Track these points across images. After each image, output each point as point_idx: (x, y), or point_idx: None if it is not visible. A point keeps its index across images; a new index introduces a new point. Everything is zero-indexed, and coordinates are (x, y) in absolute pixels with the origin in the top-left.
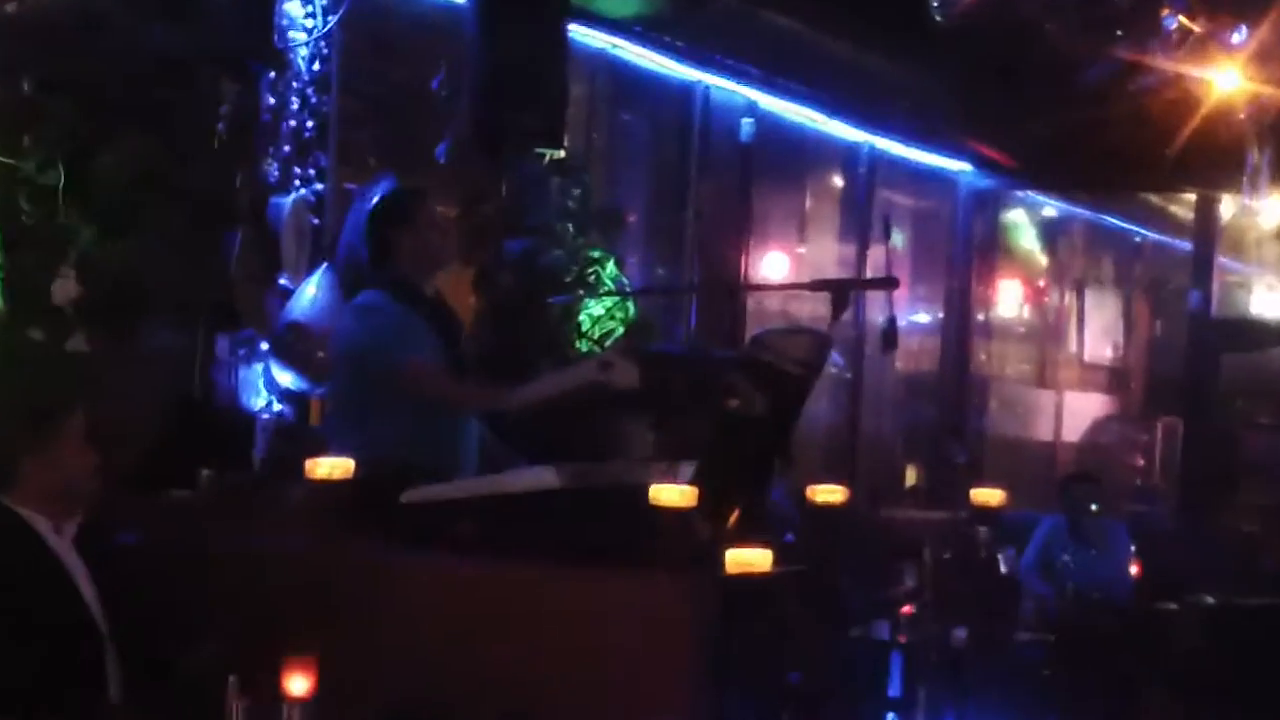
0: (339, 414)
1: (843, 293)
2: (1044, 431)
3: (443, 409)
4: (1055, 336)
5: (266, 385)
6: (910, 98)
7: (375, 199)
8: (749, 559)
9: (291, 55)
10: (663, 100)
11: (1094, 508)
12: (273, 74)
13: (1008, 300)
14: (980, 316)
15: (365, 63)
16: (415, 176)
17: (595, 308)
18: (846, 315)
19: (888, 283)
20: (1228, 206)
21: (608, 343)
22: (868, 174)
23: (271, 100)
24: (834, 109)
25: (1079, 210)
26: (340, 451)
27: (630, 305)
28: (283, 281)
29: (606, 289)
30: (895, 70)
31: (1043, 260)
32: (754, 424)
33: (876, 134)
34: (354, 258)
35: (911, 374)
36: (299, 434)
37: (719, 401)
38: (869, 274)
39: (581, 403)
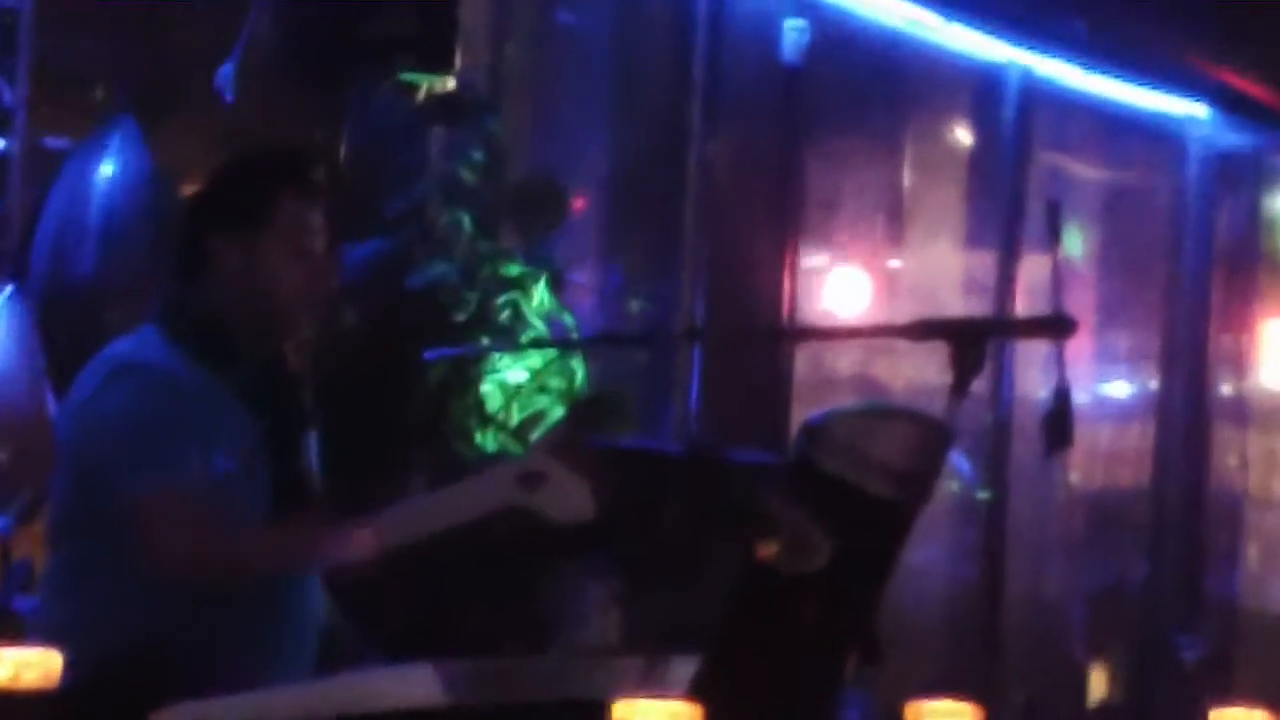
0: (52, 566)
1: (973, 344)
2: None
3: (224, 575)
4: None
5: None
6: None
7: (204, 190)
8: None
9: None
10: None
11: None
12: None
13: None
14: (1228, 385)
15: None
16: (178, 123)
17: (513, 369)
18: (979, 384)
19: (1056, 326)
20: None
21: (535, 435)
22: (1018, 123)
23: None
24: (958, 3)
25: None
26: (48, 636)
27: (577, 366)
28: None
29: (533, 335)
30: None
31: None
32: (808, 587)
33: (1036, 50)
34: (70, 275)
35: (1100, 492)
36: None
37: (743, 546)
38: (1021, 308)
39: (489, 546)
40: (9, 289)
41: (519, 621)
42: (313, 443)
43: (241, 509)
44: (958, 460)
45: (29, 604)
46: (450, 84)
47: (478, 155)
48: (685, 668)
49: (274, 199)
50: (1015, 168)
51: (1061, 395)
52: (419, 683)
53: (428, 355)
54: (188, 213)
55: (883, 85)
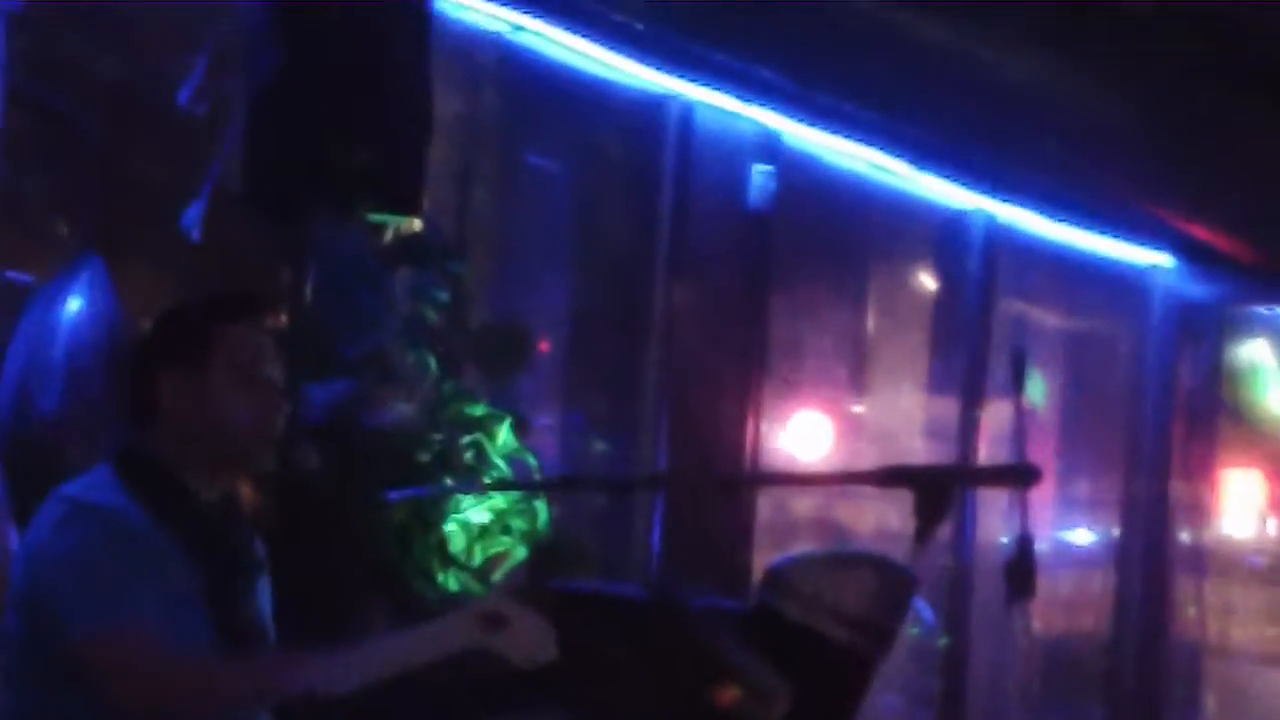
0: (4, 707)
1: (938, 492)
2: None
3: (177, 709)
4: None
5: None
6: (1067, 132)
7: (153, 333)
8: None
9: None
10: (607, 126)
11: None
12: None
13: (1239, 506)
14: (1188, 534)
15: (56, 49)
16: (141, 260)
17: (476, 509)
18: (942, 532)
19: (1020, 475)
20: None
21: (496, 576)
22: (983, 269)
23: None
24: (924, 151)
25: None
26: None
27: (540, 508)
28: None
29: (496, 478)
30: (1042, 81)
31: None
32: None
33: (1000, 198)
34: (34, 412)
35: (1060, 640)
36: None
37: (705, 694)
38: (984, 455)
39: (447, 688)
40: None
41: None
42: (264, 588)
43: (185, 653)
44: (919, 606)
45: None
46: (416, 225)
47: (443, 296)
48: None
49: (213, 333)
50: (979, 314)
51: (1024, 543)
52: None
53: (391, 495)
54: (136, 354)
55: (848, 231)
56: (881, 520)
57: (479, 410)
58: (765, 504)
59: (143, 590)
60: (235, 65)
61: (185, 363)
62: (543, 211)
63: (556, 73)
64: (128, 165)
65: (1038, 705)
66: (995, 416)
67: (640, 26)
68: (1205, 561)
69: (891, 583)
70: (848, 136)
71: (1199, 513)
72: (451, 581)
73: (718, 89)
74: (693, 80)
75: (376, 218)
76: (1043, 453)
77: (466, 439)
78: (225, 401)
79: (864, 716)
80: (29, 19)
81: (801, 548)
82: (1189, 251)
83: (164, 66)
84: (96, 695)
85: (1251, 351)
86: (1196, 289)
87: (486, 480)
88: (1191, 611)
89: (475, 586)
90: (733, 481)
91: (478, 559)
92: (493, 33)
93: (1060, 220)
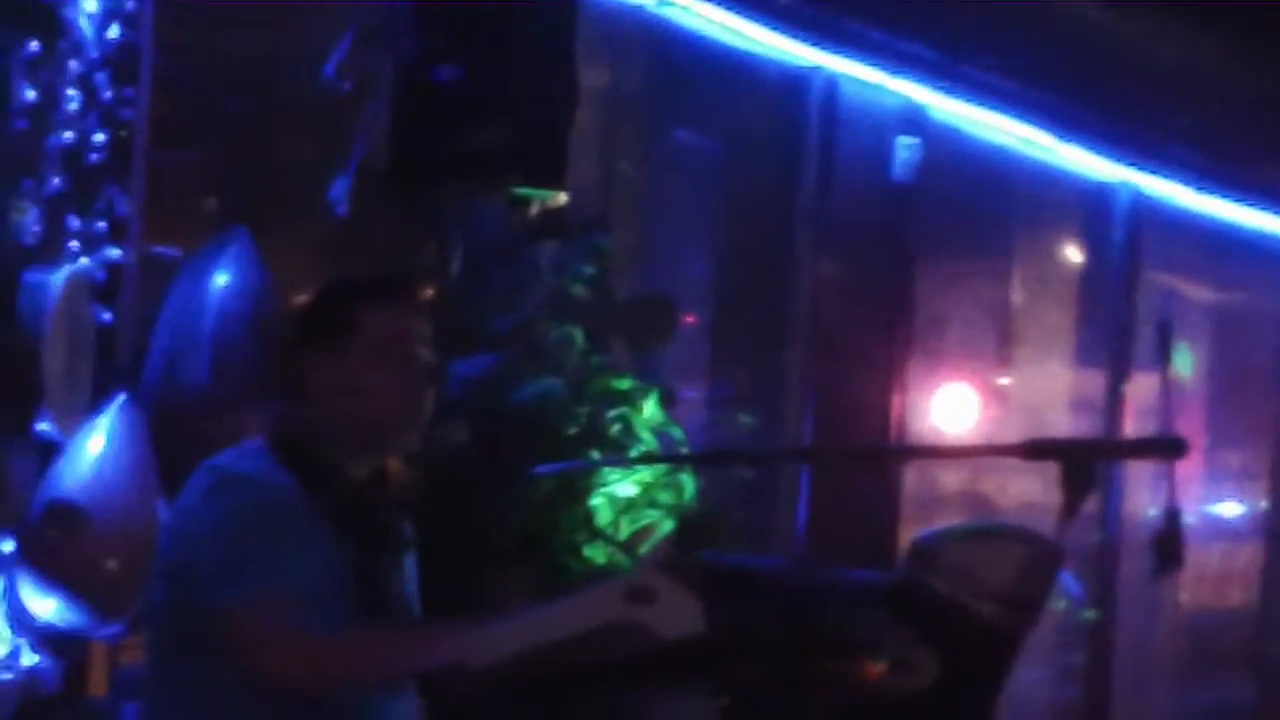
0: (154, 686)
1: (1085, 465)
2: None
3: (320, 681)
4: None
5: (8, 619)
6: (1213, 104)
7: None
8: None
9: (68, 13)
10: (751, 100)
11: None
12: (34, 46)
13: None
14: None
15: (201, 30)
16: (287, 236)
17: (623, 483)
18: (1088, 506)
19: (1167, 447)
20: None
21: (644, 549)
22: (1128, 242)
23: (31, 95)
24: (1069, 122)
25: None
26: None
27: (686, 481)
28: (42, 427)
29: (643, 451)
30: (1188, 52)
31: None
32: (914, 709)
33: (1145, 170)
34: (182, 384)
35: (1207, 613)
36: (67, 716)
37: (848, 666)
38: (1130, 428)
39: (593, 663)
40: (122, 398)
41: None
42: (410, 566)
43: (329, 627)
44: (1065, 580)
45: (136, 710)
46: (561, 199)
47: (588, 270)
48: None
49: (364, 314)
50: (1124, 287)
51: (1172, 516)
52: None
53: (538, 470)
54: (286, 332)
55: (993, 204)
56: (1027, 494)
57: (625, 384)
58: (911, 477)
59: (289, 562)
60: (380, 41)
61: (335, 342)
62: (687, 185)
63: (701, 46)
64: (273, 142)
65: (1184, 680)
66: (1141, 389)
67: (785, 0)
68: None
69: (1038, 557)
70: (992, 108)
71: None
72: (598, 555)
73: (862, 62)
74: (837, 53)
75: (521, 192)
76: (1190, 425)
77: (613, 413)
78: (373, 383)
79: (1009, 690)
80: None
81: (947, 521)
82: None
83: (309, 43)
84: (235, 664)
85: None
86: None
87: (633, 454)
88: None
89: (621, 560)
90: (878, 455)
91: (624, 532)
92: (638, 6)
93: (1206, 192)
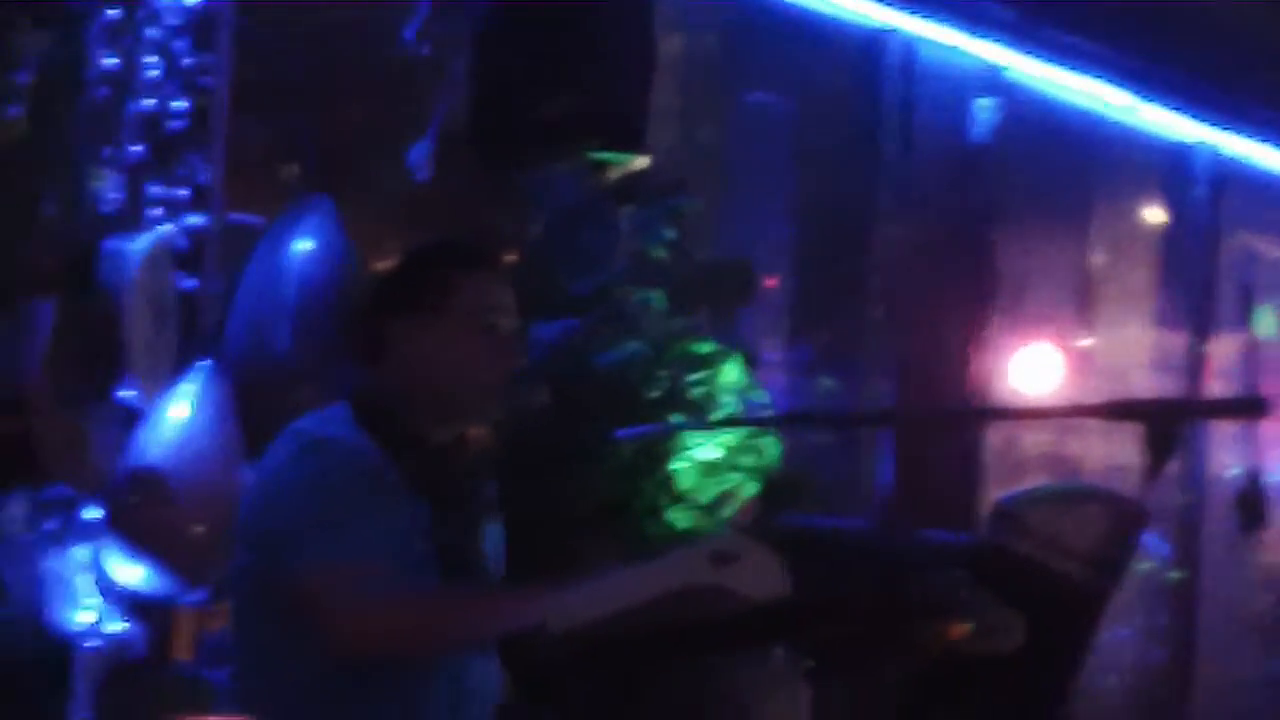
0: (240, 652)
1: (1169, 426)
2: None
3: (401, 646)
4: None
5: (95, 586)
6: None
7: (392, 271)
8: None
9: None
10: (829, 62)
11: None
12: (112, 13)
13: None
14: None
15: None
16: (368, 201)
17: (705, 448)
18: (1172, 466)
19: (1251, 407)
20: None
21: (727, 512)
22: (1209, 203)
23: (111, 62)
24: (1149, 83)
25: None
26: (242, 709)
27: (769, 444)
28: (127, 394)
29: (725, 414)
30: (1269, 12)
31: None
32: (1000, 671)
33: (1226, 130)
34: (265, 351)
35: None
36: (154, 681)
37: (934, 627)
38: (1213, 388)
39: (677, 626)
40: (206, 365)
41: (706, 702)
42: (492, 531)
43: (410, 591)
44: (1149, 540)
45: (222, 675)
46: (641, 163)
47: (668, 234)
48: None
49: (451, 281)
50: (1206, 248)
51: (1255, 476)
52: None
53: (620, 434)
54: (369, 298)
55: (1073, 165)
56: (1111, 454)
57: (706, 347)
58: (994, 439)
59: (372, 526)
60: (459, 5)
61: (421, 309)
62: (765, 147)
63: (778, 8)
64: (353, 108)
65: (1270, 638)
66: (1223, 350)
67: None
68: None
69: (1122, 517)
70: (1072, 69)
71: None
72: (680, 519)
73: (940, 23)
74: (915, 14)
75: (601, 156)
76: (1272, 385)
77: (694, 376)
78: (459, 350)
79: (1095, 651)
80: None
81: (1031, 482)
82: None
83: (389, 8)
84: (315, 627)
85: None
86: None
87: (714, 417)
88: None
89: (704, 524)
90: (961, 416)
91: (707, 496)
92: None
93: None
